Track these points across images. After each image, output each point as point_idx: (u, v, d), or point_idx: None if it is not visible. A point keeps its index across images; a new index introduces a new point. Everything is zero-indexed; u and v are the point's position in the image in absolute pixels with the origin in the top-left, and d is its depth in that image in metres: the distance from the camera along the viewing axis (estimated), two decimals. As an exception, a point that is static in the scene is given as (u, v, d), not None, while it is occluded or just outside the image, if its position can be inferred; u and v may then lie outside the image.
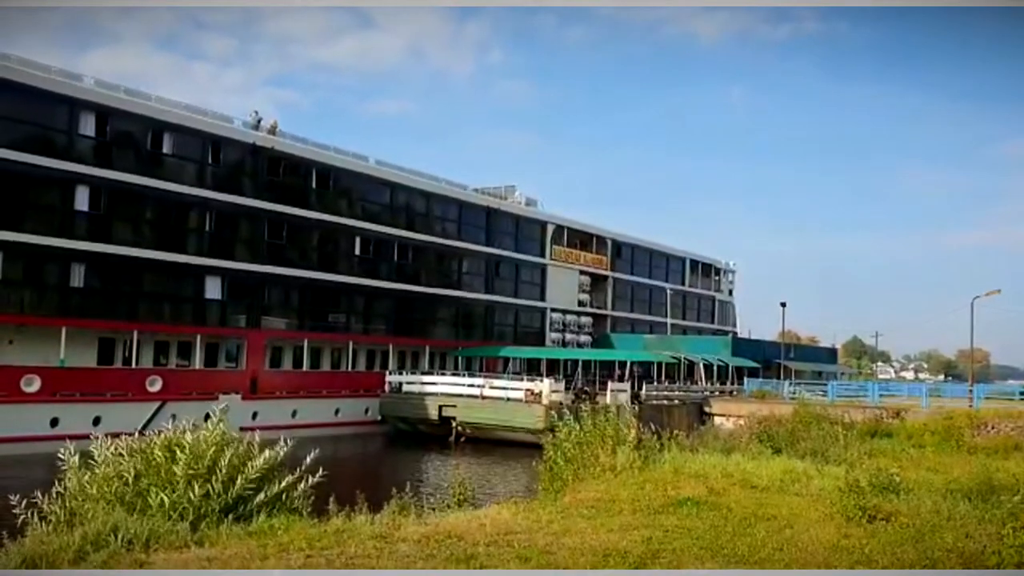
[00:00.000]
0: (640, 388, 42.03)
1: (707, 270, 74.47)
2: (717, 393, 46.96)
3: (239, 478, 8.89)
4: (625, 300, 64.02)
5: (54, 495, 9.26)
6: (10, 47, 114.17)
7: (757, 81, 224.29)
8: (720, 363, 51.21)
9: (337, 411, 40.47)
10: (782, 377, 51.74)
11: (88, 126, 32.66)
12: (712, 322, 73.89)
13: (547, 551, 8.18)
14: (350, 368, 42.76)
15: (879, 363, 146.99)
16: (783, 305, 58.23)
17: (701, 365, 49.65)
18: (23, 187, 31.02)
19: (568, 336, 57.09)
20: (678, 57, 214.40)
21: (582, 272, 59.37)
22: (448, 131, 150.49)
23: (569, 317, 57.61)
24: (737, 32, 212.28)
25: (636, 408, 35.07)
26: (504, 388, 39.17)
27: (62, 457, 9.52)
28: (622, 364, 47.34)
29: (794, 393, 42.76)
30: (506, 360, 49.79)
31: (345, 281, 42.37)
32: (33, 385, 29.97)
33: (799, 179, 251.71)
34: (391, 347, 44.84)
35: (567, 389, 40.72)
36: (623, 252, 64.02)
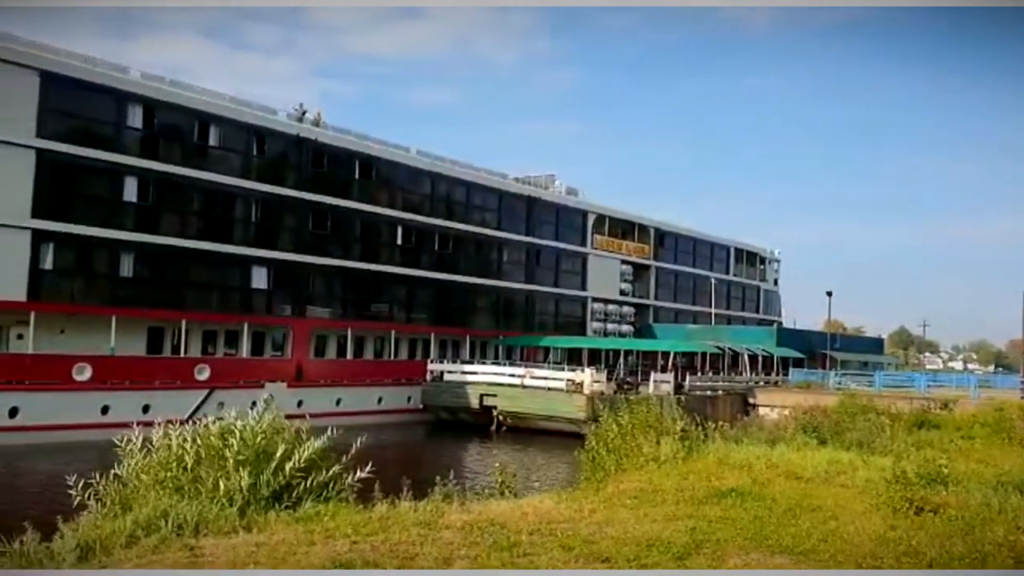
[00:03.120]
0: (683, 379, 41.84)
1: (751, 259, 73.69)
2: (762, 383, 46.61)
3: (287, 465, 9.02)
4: (668, 289, 63.62)
5: (108, 481, 9.46)
6: (58, 40, 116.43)
7: (801, 67, 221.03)
8: (765, 353, 50.74)
9: (380, 399, 40.85)
10: (827, 367, 51.16)
11: (136, 118, 33.23)
12: (757, 312, 73.16)
13: (590, 540, 8.19)
14: (392, 357, 43.13)
15: (926, 353, 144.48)
16: (829, 294, 57.51)
17: (745, 355, 49.25)
18: (73, 179, 31.70)
19: (610, 326, 56.91)
20: (722, 43, 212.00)
21: (624, 261, 59.10)
22: (490, 120, 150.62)
23: (611, 307, 57.41)
24: (784, 18, 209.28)
25: (679, 399, 34.91)
26: (545, 378, 39.19)
27: (116, 443, 9.72)
28: (665, 354, 47.13)
29: (839, 383, 42.28)
30: (547, 350, 49.82)
31: (387, 271, 42.69)
32: (84, 373, 30.65)
33: (843, 166, 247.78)
34: (432, 336, 45.10)
35: (609, 379, 40.64)
36: (666, 241, 63.60)
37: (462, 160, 48.58)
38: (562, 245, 53.45)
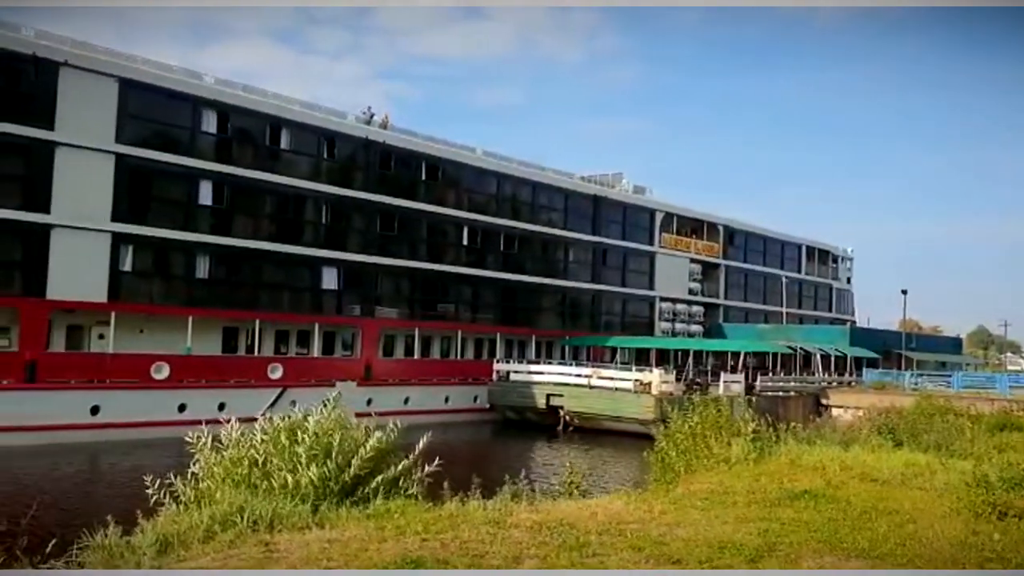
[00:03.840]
0: (754, 379, 41.21)
1: (823, 257, 72.21)
2: (834, 384, 45.65)
3: (355, 461, 9.13)
4: (738, 288, 62.73)
5: (185, 477, 9.68)
6: (135, 46, 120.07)
7: (875, 60, 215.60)
8: (837, 353, 49.67)
9: (447, 399, 41.14)
10: (903, 367, 49.85)
11: (210, 123, 34.09)
12: (829, 311, 71.65)
13: (660, 541, 8.11)
14: (459, 356, 43.41)
15: (1008, 353, 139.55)
16: (904, 293, 56.04)
17: (818, 355, 48.28)
18: (150, 182, 32.70)
19: (678, 326, 56.35)
20: (790, 37, 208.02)
21: (693, 260, 58.46)
22: (555, 119, 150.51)
23: (679, 306, 56.84)
24: (859, 11, 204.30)
25: (750, 399, 34.39)
26: (612, 378, 39.00)
27: (190, 441, 9.94)
28: (735, 354, 46.47)
29: (916, 384, 41.16)
30: (614, 350, 49.54)
31: (453, 271, 42.99)
32: (162, 372, 31.54)
33: (916, 162, 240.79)
34: (498, 336, 45.26)
35: (678, 380, 40.27)
36: (736, 239, 62.71)
37: (528, 159, 48.73)
38: (629, 244, 53.09)
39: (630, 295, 53.24)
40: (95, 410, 29.60)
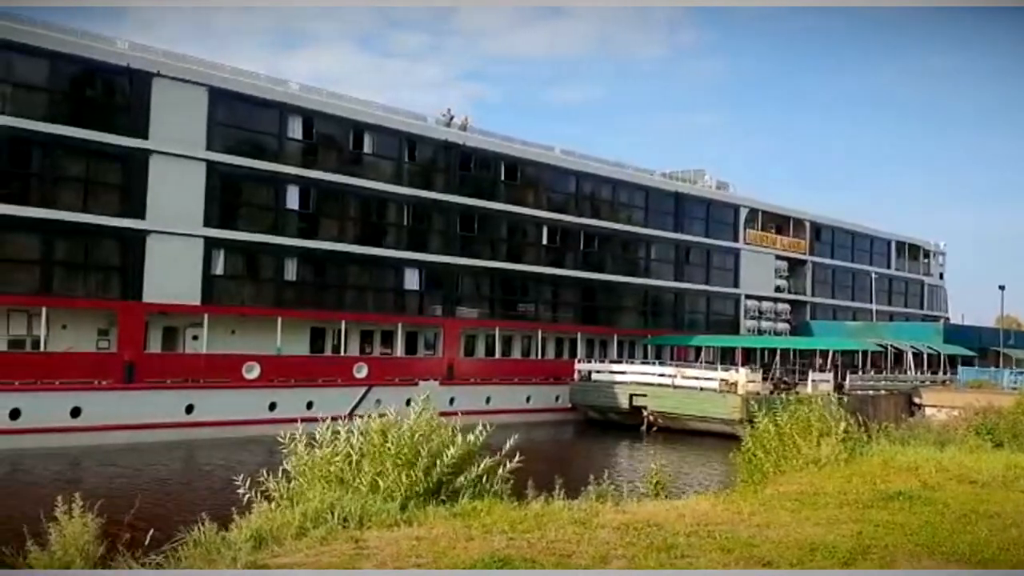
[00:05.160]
0: (843, 378, 40.21)
1: (914, 252, 69.93)
2: (928, 383, 44.18)
3: (444, 461, 9.20)
4: (825, 285, 61.24)
5: (277, 474, 9.89)
6: (223, 55, 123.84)
7: (961, 47, 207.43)
8: (930, 351, 48.02)
9: (528, 398, 41.22)
10: (1001, 365, 47.92)
11: (296, 129, 34.90)
12: (920, 308, 69.34)
13: (750, 543, 7.96)
14: (540, 356, 43.45)
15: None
16: (1001, 288, 53.81)
17: (909, 353, 46.76)
18: (239, 188, 33.71)
19: (764, 324, 55.29)
20: (881, 26, 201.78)
21: (778, 257, 57.29)
22: (635, 116, 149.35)
23: (765, 304, 55.77)
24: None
25: (839, 398, 33.50)
26: (697, 377, 38.51)
27: (281, 440, 10.16)
28: (823, 353, 45.41)
29: (1016, 383, 39.55)
30: (698, 349, 48.89)
31: (533, 270, 43.07)
32: (253, 372, 32.42)
33: (1009, 152, 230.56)
34: (579, 335, 45.13)
35: (764, 379, 39.55)
36: (822, 235, 61.23)
37: (607, 157, 48.49)
38: (713, 241, 52.33)
39: (714, 293, 52.47)
40: (189, 409, 30.61)
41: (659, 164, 54.07)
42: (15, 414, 26.82)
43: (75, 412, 28.03)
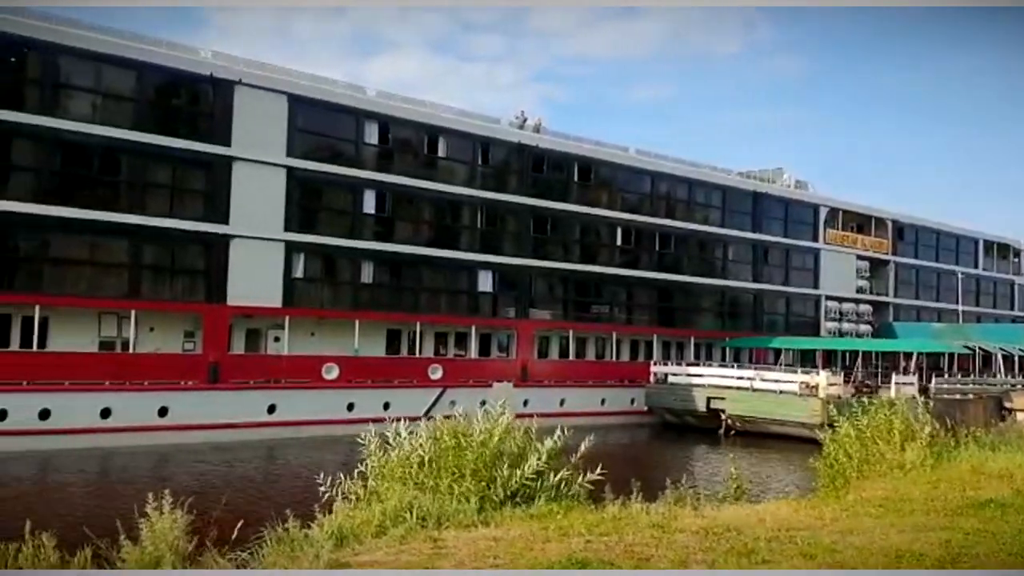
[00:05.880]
0: (928, 381, 38.98)
1: (1003, 251, 67.31)
2: (1019, 386, 42.48)
3: (523, 465, 9.23)
4: (909, 286, 59.42)
5: (356, 473, 10.07)
6: (300, 61, 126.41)
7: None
8: (1021, 353, 46.19)
9: (603, 401, 41.00)
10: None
11: (372, 134, 35.44)
12: (1011, 308, 66.73)
13: (833, 549, 7.79)
14: (614, 358, 43.18)
15: None
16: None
17: (999, 355, 45.03)
18: (318, 193, 34.39)
19: (845, 325, 53.92)
20: (954, 20, 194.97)
21: (860, 257, 55.78)
22: (710, 115, 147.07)
23: (846, 305, 54.37)
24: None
25: (924, 402, 32.49)
26: (777, 380, 37.81)
27: (360, 439, 10.33)
28: (907, 355, 44.03)
29: (1117, 387, 37.79)
30: (777, 351, 47.96)
31: (607, 272, 42.84)
32: (332, 372, 33.02)
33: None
34: (655, 337, 44.72)
35: (846, 382, 38.62)
36: (906, 234, 59.42)
37: (683, 157, 47.94)
38: (792, 241, 51.28)
39: (794, 294, 51.43)
40: (271, 409, 31.33)
41: (735, 163, 53.34)
42: (106, 413, 27.85)
43: (162, 412, 28.98)
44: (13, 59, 28.12)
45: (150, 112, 30.29)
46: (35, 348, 27.42)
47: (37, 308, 27.29)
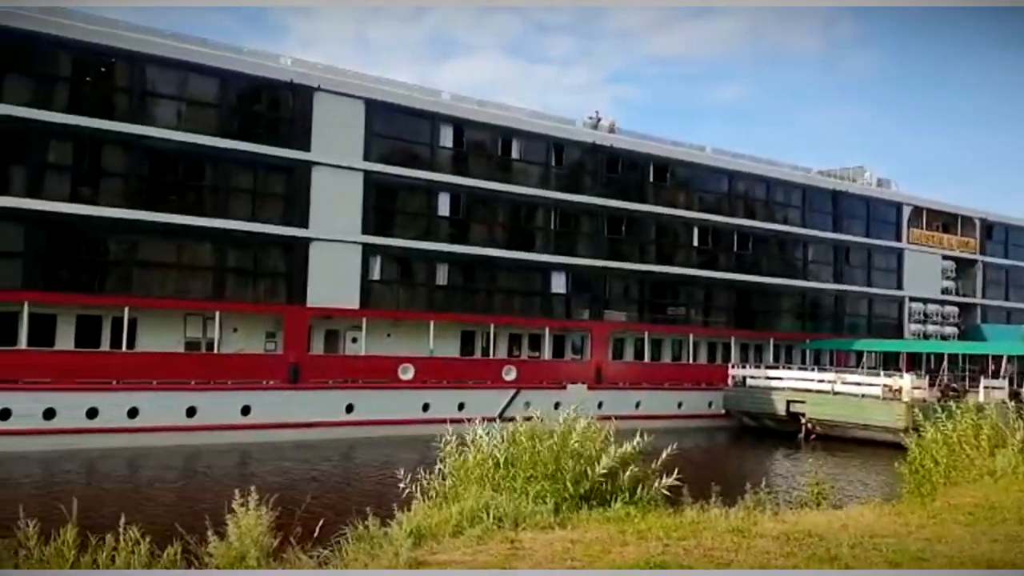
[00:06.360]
0: (1020, 385, 37.58)
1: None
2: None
3: (598, 467, 9.20)
4: (998, 287, 57.26)
5: (432, 473, 10.16)
6: (377, 67, 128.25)
7: None
8: (1121, 357, 44.11)
9: (680, 404, 40.55)
10: None
11: (447, 138, 35.78)
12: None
13: (920, 557, 7.56)
14: (691, 360, 42.68)
15: None
16: None
17: (1096, 359, 43.13)
18: (394, 196, 34.85)
19: (930, 327, 52.29)
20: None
21: (946, 257, 54.05)
22: (790, 112, 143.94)
23: (931, 307, 52.72)
24: None
25: (1016, 407, 31.32)
26: (859, 383, 36.91)
27: (436, 439, 10.43)
28: (996, 358, 42.51)
29: None
30: (859, 354, 46.79)
31: (683, 273, 42.39)
32: (408, 373, 33.42)
33: None
34: (733, 339, 44.06)
35: (931, 385, 37.47)
36: (994, 233, 57.28)
37: (761, 156, 47.14)
38: (874, 241, 49.96)
39: (876, 295, 50.08)
40: (349, 408, 31.87)
41: (815, 162, 52.18)
42: (191, 412, 28.73)
43: (245, 410, 29.74)
44: (102, 68, 29.25)
45: (232, 118, 31.13)
46: (124, 349, 28.44)
47: (126, 310, 28.31)
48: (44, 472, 23.46)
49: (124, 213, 28.39)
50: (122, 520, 7.45)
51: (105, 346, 28.75)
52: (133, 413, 27.68)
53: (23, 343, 26.68)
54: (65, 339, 28.10)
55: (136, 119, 28.84)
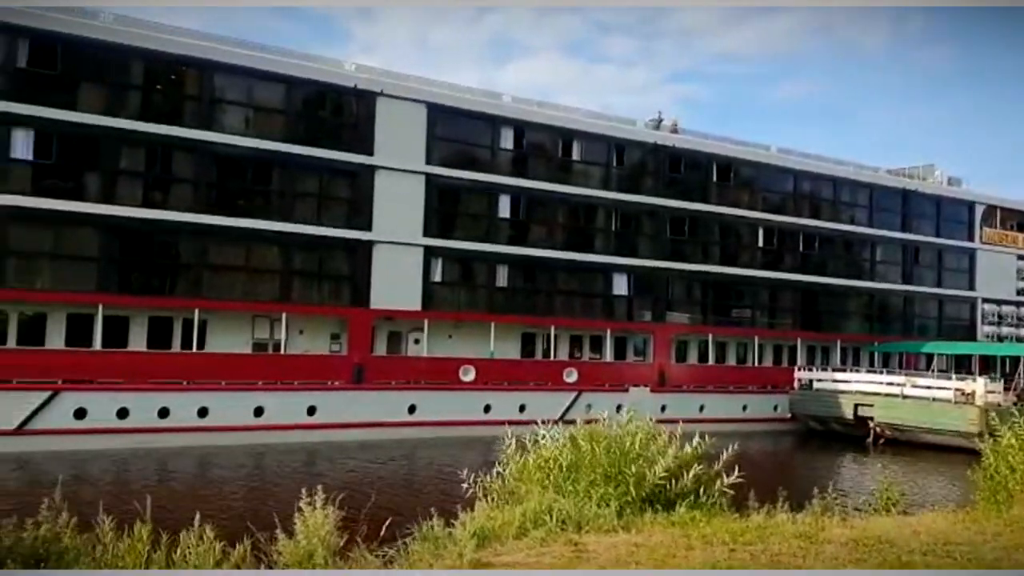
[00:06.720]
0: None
1: None
2: None
3: (657, 470, 9.14)
4: (1080, 287, 55.22)
5: (494, 474, 10.19)
6: (438, 70, 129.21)
7: None
8: None
9: (744, 407, 40.00)
10: None
11: (507, 140, 35.90)
12: None
13: (996, 566, 7.36)
14: (756, 363, 42.06)
15: None
16: None
17: None
18: (455, 199, 35.09)
19: (1005, 329, 50.68)
20: None
21: (1020, 257, 52.33)
22: (858, 110, 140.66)
23: (1006, 308, 51.11)
24: None
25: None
26: (929, 387, 35.95)
27: (498, 440, 10.46)
28: (1076, 361, 41.01)
29: None
30: (929, 356, 45.59)
31: (747, 274, 41.81)
32: (469, 374, 33.59)
33: None
34: (799, 342, 43.30)
35: (1006, 389, 36.31)
36: (1074, 231, 55.26)
37: (827, 155, 46.28)
38: (945, 241, 48.64)
39: (947, 296, 48.74)
40: (412, 409, 32.17)
41: (883, 161, 51.01)
42: (259, 411, 29.31)
43: (311, 410, 30.24)
44: (173, 76, 30.04)
45: (298, 124, 31.70)
46: (194, 349, 29.16)
47: (197, 312, 29.01)
48: (119, 470, 24.18)
49: (194, 217, 29.13)
50: (196, 517, 7.66)
51: (176, 347, 29.49)
52: (203, 412, 28.36)
53: (98, 344, 27.55)
54: (138, 340, 28.92)
55: (205, 125, 29.57)
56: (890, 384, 37.16)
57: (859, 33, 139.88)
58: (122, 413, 27.08)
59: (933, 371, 42.32)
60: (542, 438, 10.21)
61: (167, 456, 26.20)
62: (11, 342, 26.93)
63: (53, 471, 22.45)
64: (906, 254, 47.41)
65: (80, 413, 26.54)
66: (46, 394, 26.17)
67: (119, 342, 28.38)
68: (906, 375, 38.44)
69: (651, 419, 10.16)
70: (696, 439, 9.73)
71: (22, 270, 27.37)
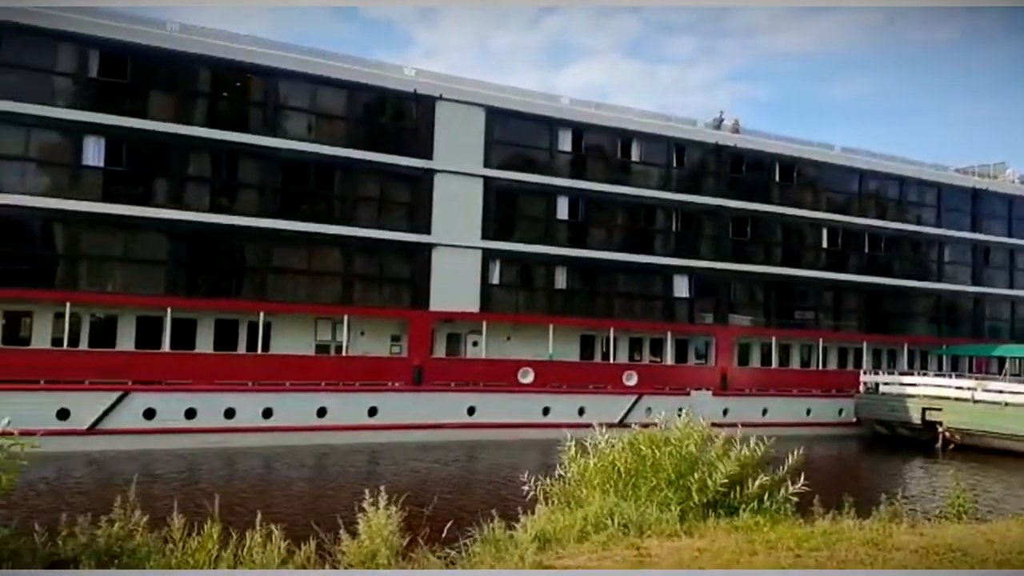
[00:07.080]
0: None
1: None
2: None
3: (714, 479, 9.03)
4: None
5: (553, 477, 10.19)
6: (498, 73, 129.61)
7: None
8: None
9: (808, 411, 39.27)
10: None
11: (565, 142, 35.85)
12: None
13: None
14: (820, 366, 41.29)
15: None
16: None
17: None
18: (513, 201, 35.16)
19: (1082, 332, 48.92)
20: None
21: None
22: (926, 106, 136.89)
23: (1082, 309, 49.34)
24: None
25: None
26: (1001, 391, 34.87)
27: (558, 443, 10.45)
28: None
29: None
30: (1002, 359, 44.23)
31: (811, 276, 41.08)
32: (528, 377, 33.61)
33: None
34: (864, 344, 42.39)
35: (1083, 394, 35.04)
36: None
37: (894, 153, 45.23)
38: (1017, 241, 47.16)
39: (1020, 298, 47.25)
40: (471, 411, 32.31)
41: (951, 160, 49.68)
42: (321, 412, 29.75)
43: (372, 411, 30.58)
44: (238, 84, 30.70)
45: (360, 129, 32.13)
46: (259, 351, 29.72)
47: (261, 314, 29.58)
48: (187, 469, 24.75)
49: (259, 222, 29.72)
50: (258, 517, 7.80)
51: (241, 349, 30.10)
52: (267, 413, 28.89)
53: (166, 346, 28.27)
54: (205, 342, 29.59)
55: (270, 132, 30.15)
56: (960, 388, 36.14)
57: (925, 29, 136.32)
58: (190, 413, 27.74)
59: (1005, 375, 41.06)
60: (602, 441, 10.16)
61: (233, 456, 26.74)
62: (83, 344, 27.80)
63: (124, 470, 23.15)
64: (976, 254, 46.12)
65: (149, 413, 27.25)
66: (117, 395, 26.93)
67: (187, 344, 29.08)
68: (977, 379, 37.36)
69: (710, 423, 10.05)
70: (753, 442, 9.58)
71: (94, 274, 28.21)
